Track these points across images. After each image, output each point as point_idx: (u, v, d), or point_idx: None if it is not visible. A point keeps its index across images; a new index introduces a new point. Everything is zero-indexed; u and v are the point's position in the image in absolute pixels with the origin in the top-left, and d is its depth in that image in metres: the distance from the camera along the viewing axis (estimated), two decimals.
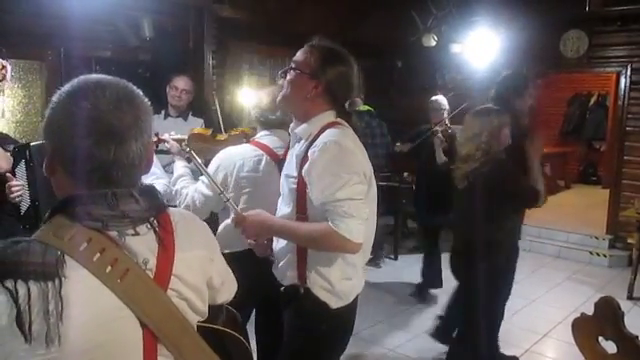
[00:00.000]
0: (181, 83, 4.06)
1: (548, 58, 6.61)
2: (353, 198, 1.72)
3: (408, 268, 5.80)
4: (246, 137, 2.62)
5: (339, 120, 1.87)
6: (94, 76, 1.04)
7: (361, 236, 1.74)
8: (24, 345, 0.86)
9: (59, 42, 4.34)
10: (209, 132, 2.72)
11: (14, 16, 3.94)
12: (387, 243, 6.34)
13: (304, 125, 1.89)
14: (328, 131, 1.81)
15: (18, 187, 2.51)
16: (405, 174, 6.36)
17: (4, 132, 3.19)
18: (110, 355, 0.95)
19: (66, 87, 1.01)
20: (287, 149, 2.58)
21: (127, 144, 1.00)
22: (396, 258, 6.12)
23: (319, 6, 5.59)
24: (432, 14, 6.39)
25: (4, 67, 2.99)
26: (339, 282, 1.87)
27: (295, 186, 1.87)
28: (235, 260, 2.34)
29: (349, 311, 1.95)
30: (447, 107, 5.03)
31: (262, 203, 2.10)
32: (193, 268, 1.10)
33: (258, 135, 2.52)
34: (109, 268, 0.95)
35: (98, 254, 0.94)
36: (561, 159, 9.68)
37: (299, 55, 1.89)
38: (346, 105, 1.88)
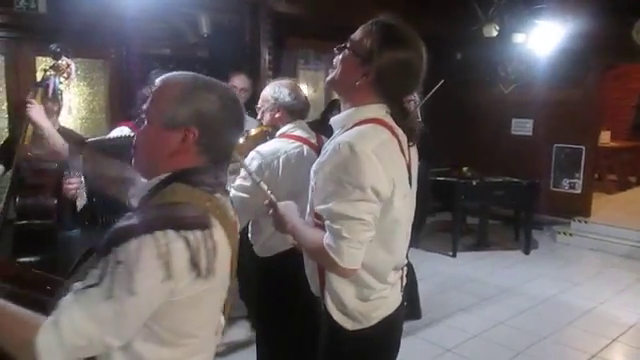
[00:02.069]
0: (239, 82, 4.04)
1: (619, 48, 6.23)
2: (350, 216, 1.46)
3: (466, 265, 5.66)
4: (269, 135, 2.56)
5: (384, 118, 1.57)
6: (207, 78, 1.25)
7: (354, 261, 1.49)
8: (196, 279, 1.10)
9: (121, 41, 4.47)
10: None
11: (78, 17, 4.07)
12: (445, 240, 6.21)
13: (341, 114, 1.64)
14: (355, 129, 1.54)
15: (75, 183, 2.57)
16: (464, 169, 6.19)
17: (70, 128, 3.30)
18: (224, 285, 1.26)
19: (205, 80, 1.21)
20: (320, 138, 2.56)
21: (242, 129, 1.30)
22: (454, 255, 5.97)
23: (393, 14, 5.46)
24: (493, 3, 6.15)
25: (69, 66, 3.07)
26: (352, 302, 1.62)
27: (313, 183, 1.64)
28: (280, 260, 2.37)
29: (377, 335, 1.66)
30: None
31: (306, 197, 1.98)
32: None
33: (285, 129, 2.47)
34: (223, 219, 1.20)
35: (217, 210, 1.18)
36: (632, 154, 9.14)
37: (357, 32, 1.59)
38: (404, 101, 1.62)
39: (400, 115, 1.60)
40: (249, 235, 2.46)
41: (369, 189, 1.46)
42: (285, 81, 2.58)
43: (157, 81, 1.23)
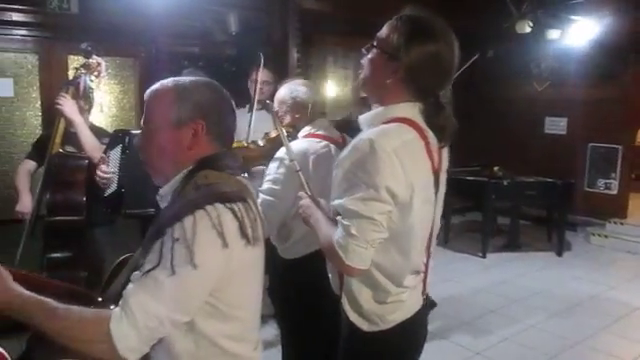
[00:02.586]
0: (261, 76, 4.04)
1: None
2: (361, 215, 1.42)
3: (497, 267, 5.55)
4: (289, 135, 2.44)
5: (413, 118, 1.51)
6: (201, 77, 1.37)
7: (360, 260, 1.44)
8: (245, 247, 1.20)
9: (151, 40, 4.51)
10: (242, 143, 2.58)
11: (109, 16, 4.13)
12: (475, 240, 6.11)
13: (370, 113, 1.58)
14: (380, 127, 1.49)
15: (108, 173, 2.59)
16: (495, 168, 6.07)
17: (100, 126, 3.34)
18: (263, 259, 1.36)
19: (194, 80, 1.32)
20: (343, 137, 2.51)
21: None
22: (484, 256, 5.86)
23: (420, 7, 5.40)
24: None
25: (99, 64, 3.11)
26: (368, 303, 1.58)
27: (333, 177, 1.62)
28: (305, 262, 2.33)
29: (394, 338, 1.62)
30: None
31: None
32: None
33: (309, 128, 2.42)
34: (251, 199, 1.29)
35: (245, 189, 1.29)
36: None
37: (383, 30, 1.54)
38: (440, 97, 1.53)
39: (433, 111, 1.53)
40: (271, 238, 2.43)
41: (383, 189, 1.41)
42: (300, 80, 2.53)
43: (147, 94, 1.32)
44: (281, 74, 5.06)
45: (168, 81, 1.31)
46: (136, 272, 1.14)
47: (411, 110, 1.52)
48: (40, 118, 4.17)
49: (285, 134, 2.01)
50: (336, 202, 1.50)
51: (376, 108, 1.58)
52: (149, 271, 1.10)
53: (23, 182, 3.22)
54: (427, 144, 1.53)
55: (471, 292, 4.84)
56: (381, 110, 1.54)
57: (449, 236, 6.28)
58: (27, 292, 1.13)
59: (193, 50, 4.87)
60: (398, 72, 1.48)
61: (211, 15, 4.79)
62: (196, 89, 1.29)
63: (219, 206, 1.16)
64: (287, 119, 2.44)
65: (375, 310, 1.59)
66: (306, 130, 2.42)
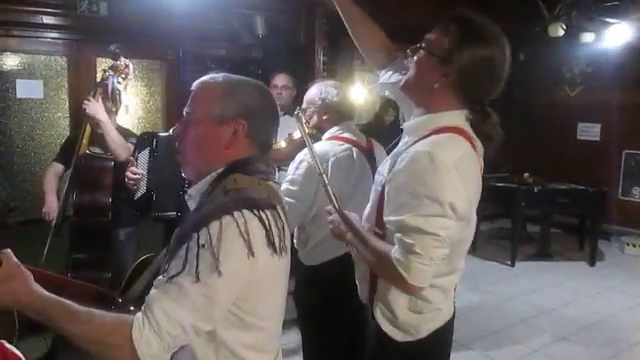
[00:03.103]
0: (280, 80, 4.04)
1: None
2: (425, 231, 1.36)
3: (526, 276, 5.41)
4: (312, 137, 2.43)
5: (463, 127, 1.47)
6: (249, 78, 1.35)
7: (423, 279, 1.39)
8: (272, 256, 1.16)
9: (178, 42, 4.52)
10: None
11: (137, 19, 4.15)
12: (504, 248, 5.97)
13: (416, 120, 1.54)
14: (433, 137, 1.44)
15: (137, 174, 2.59)
16: (526, 174, 5.93)
17: (126, 127, 3.36)
18: (288, 268, 1.31)
19: (243, 79, 1.30)
20: (369, 141, 2.45)
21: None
22: (513, 264, 5.72)
23: (472, 8, 5.34)
24: (560, 1, 5.84)
25: (127, 66, 3.13)
26: (404, 313, 1.54)
27: (380, 189, 1.56)
28: (326, 268, 2.27)
29: (427, 347, 1.58)
30: None
31: (358, 200, 1.85)
32: None
33: (333, 130, 2.37)
34: (281, 205, 1.27)
35: (276, 196, 1.26)
36: None
37: (433, 31, 1.49)
38: (485, 104, 1.48)
39: (481, 119, 1.49)
40: (294, 242, 2.39)
41: (447, 204, 1.36)
42: (330, 81, 2.49)
43: (195, 84, 1.30)
44: (307, 77, 5.04)
45: (219, 75, 1.30)
46: (160, 277, 1.12)
47: (459, 118, 1.48)
48: (68, 120, 4.22)
49: (312, 143, 1.90)
50: (392, 218, 1.43)
51: (420, 114, 1.54)
52: (173, 277, 1.08)
53: (50, 185, 3.27)
54: (478, 155, 1.49)
55: (499, 301, 4.72)
56: (428, 118, 1.50)
57: (477, 243, 6.14)
58: (48, 293, 1.11)
59: (220, 52, 4.88)
60: (448, 76, 1.44)
61: (238, 18, 4.79)
62: (245, 89, 1.27)
63: (247, 213, 1.12)
64: (314, 120, 2.41)
65: (411, 321, 1.55)
66: (331, 132, 2.38)
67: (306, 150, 2.18)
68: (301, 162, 2.20)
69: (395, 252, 1.40)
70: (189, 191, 1.30)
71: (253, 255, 1.11)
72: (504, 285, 5.14)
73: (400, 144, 1.59)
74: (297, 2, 5.16)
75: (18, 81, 4.04)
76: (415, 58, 1.51)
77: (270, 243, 1.15)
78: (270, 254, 1.16)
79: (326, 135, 2.38)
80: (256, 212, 1.14)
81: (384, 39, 1.83)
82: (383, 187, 1.52)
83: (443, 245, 1.39)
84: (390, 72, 1.78)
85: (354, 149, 2.31)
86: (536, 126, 7.07)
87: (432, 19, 1.53)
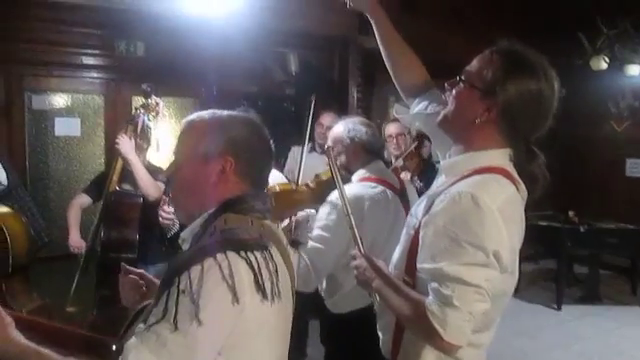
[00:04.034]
0: (327, 120, 3.98)
1: None
2: (466, 282, 1.22)
3: (574, 321, 5.09)
4: (342, 178, 2.32)
5: (507, 168, 1.35)
6: (241, 112, 1.31)
7: (460, 336, 1.24)
8: (262, 302, 1.06)
9: (211, 80, 4.60)
10: (291, 186, 2.43)
11: (173, 58, 4.25)
12: (549, 290, 5.66)
13: (455, 158, 1.42)
14: (476, 177, 1.31)
15: (170, 213, 2.57)
16: (570, 213, 5.67)
17: (157, 165, 3.37)
18: (288, 316, 1.22)
19: (233, 114, 1.25)
20: (401, 182, 2.32)
21: (273, 159, 1.29)
22: (560, 308, 5.40)
23: (469, 33, 5.27)
24: (602, 34, 5.69)
25: (158, 104, 3.17)
26: None
27: (412, 233, 1.42)
28: (355, 317, 2.11)
29: None
30: None
31: (394, 246, 1.69)
32: None
33: (364, 171, 2.23)
34: (279, 245, 1.19)
35: (271, 235, 1.18)
36: None
37: (474, 63, 1.39)
38: (531, 142, 1.37)
39: (525, 159, 1.38)
40: (319, 289, 2.26)
41: (491, 253, 1.23)
42: (357, 118, 2.37)
43: (182, 123, 1.27)
44: (341, 114, 5.01)
45: (205, 112, 1.25)
46: (140, 325, 1.04)
47: (503, 158, 1.37)
48: (103, 157, 4.30)
49: (341, 182, 1.80)
50: (428, 265, 1.30)
51: (459, 151, 1.42)
52: (152, 325, 1.00)
53: (74, 216, 3.30)
54: (522, 198, 1.38)
55: (545, 348, 4.43)
56: (468, 156, 1.38)
57: (520, 284, 5.85)
58: (26, 342, 1.06)
59: (252, 90, 4.93)
60: (491, 111, 1.33)
61: (271, 55, 4.85)
62: (232, 124, 1.22)
63: (232, 255, 1.03)
64: (342, 159, 2.26)
65: None
66: (361, 173, 2.24)
67: (338, 192, 2.07)
68: (335, 206, 2.06)
69: (430, 304, 1.26)
70: (182, 234, 1.23)
71: (238, 302, 1.01)
72: (550, 330, 4.85)
73: (436, 184, 1.48)
74: (330, 39, 5.18)
75: (57, 119, 4.16)
76: (454, 91, 1.40)
77: (259, 288, 1.05)
78: (260, 300, 1.06)
79: (356, 176, 2.25)
80: (243, 254, 1.05)
81: (422, 69, 1.72)
82: (417, 231, 1.39)
83: (485, 299, 1.25)
84: (425, 102, 1.67)
85: (388, 191, 2.19)
86: (581, 163, 6.83)
87: (471, 54, 1.43)
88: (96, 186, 3.30)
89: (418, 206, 1.48)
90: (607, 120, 6.73)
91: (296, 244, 2.14)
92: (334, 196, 2.06)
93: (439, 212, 1.30)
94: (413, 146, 3.77)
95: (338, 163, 2.26)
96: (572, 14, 5.63)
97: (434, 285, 1.26)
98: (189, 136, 1.23)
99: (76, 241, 3.23)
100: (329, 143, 2.31)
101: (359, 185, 2.19)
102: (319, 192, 2.25)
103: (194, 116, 1.25)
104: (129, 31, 4.28)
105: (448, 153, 1.49)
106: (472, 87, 1.35)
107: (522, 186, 1.37)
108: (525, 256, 6.38)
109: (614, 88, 6.43)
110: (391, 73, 1.75)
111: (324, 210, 2.10)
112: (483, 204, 1.23)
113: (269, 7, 4.18)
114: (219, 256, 1.02)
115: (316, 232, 2.09)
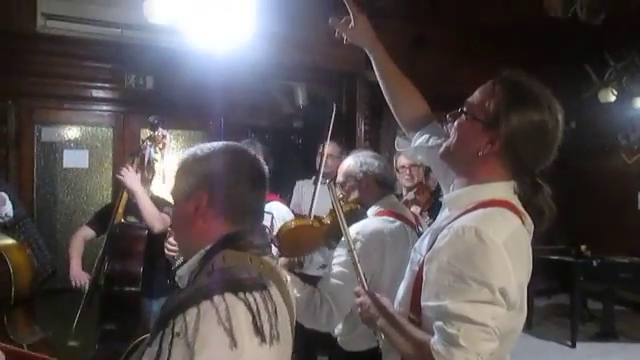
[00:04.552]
0: (329, 149, 3.98)
1: None
2: (472, 320, 1.18)
3: (589, 358, 4.94)
4: (358, 212, 2.21)
5: (512, 201, 1.32)
6: (230, 143, 1.27)
7: None
8: (260, 345, 1.00)
9: (219, 112, 4.61)
10: (307, 221, 2.34)
11: (181, 91, 4.29)
12: (563, 326, 5.52)
13: (458, 191, 1.39)
14: (480, 211, 1.28)
15: (175, 245, 2.55)
16: (582, 247, 5.57)
17: (162, 197, 3.36)
18: (288, 356, 1.16)
19: (213, 147, 1.22)
20: (415, 216, 2.27)
21: (264, 189, 1.23)
22: (574, 345, 5.26)
23: (477, 64, 5.30)
24: (610, 66, 5.70)
25: (164, 136, 3.18)
26: None
27: (416, 269, 1.37)
28: (370, 356, 1.98)
29: None
30: None
31: None
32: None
33: (379, 205, 2.18)
34: (278, 282, 1.14)
35: (270, 272, 1.14)
36: None
37: (476, 94, 1.36)
38: (536, 175, 1.34)
39: (531, 192, 1.34)
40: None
41: (497, 290, 1.19)
42: (367, 151, 2.34)
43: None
44: (348, 147, 5.00)
45: (193, 148, 1.24)
46: None
47: (507, 191, 1.33)
48: (110, 189, 4.31)
49: (343, 217, 1.75)
50: (432, 303, 1.25)
51: (461, 184, 1.39)
52: None
53: (76, 248, 3.25)
54: (528, 232, 1.34)
55: None
56: (471, 189, 1.35)
57: (533, 321, 5.72)
58: None
59: (261, 122, 4.96)
60: (494, 143, 1.29)
61: (279, 88, 4.89)
62: (209, 157, 1.20)
63: (230, 297, 1.00)
64: (354, 194, 2.21)
65: None
66: (376, 208, 2.18)
67: (358, 229, 2.04)
68: (355, 242, 1.96)
69: (435, 343, 1.21)
70: (178, 271, 1.20)
71: (236, 345, 0.97)
72: None
73: (440, 218, 1.45)
74: (338, 72, 5.23)
75: (65, 151, 4.19)
76: (456, 123, 1.37)
77: (258, 331, 1.01)
78: (258, 343, 1.01)
79: (372, 211, 2.19)
80: (241, 295, 1.01)
81: (422, 102, 1.71)
82: (420, 267, 1.34)
83: (492, 337, 1.20)
84: (426, 135, 1.65)
85: (406, 225, 2.14)
86: (592, 196, 6.75)
87: (479, 86, 1.40)
88: (100, 219, 3.29)
89: (422, 241, 1.44)
90: (617, 152, 6.68)
91: (310, 280, 2.08)
92: (355, 232, 2.01)
93: (442, 247, 1.26)
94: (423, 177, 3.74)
95: (351, 198, 2.23)
96: (579, 47, 5.66)
97: (439, 324, 1.22)
98: (177, 175, 1.23)
99: (77, 272, 3.18)
100: (340, 178, 2.27)
101: (378, 219, 2.13)
102: (332, 227, 2.15)
103: (185, 153, 1.25)
104: (139, 65, 4.35)
105: (452, 186, 1.45)
106: (474, 119, 1.32)
107: (528, 219, 1.33)
108: (537, 291, 6.29)
109: (623, 120, 6.41)
110: (391, 107, 1.74)
111: (343, 245, 2.05)
112: (487, 239, 1.19)
113: (276, 41, 4.24)
114: (216, 299, 0.98)
115: (335, 269, 2.02)
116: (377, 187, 2.20)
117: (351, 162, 2.25)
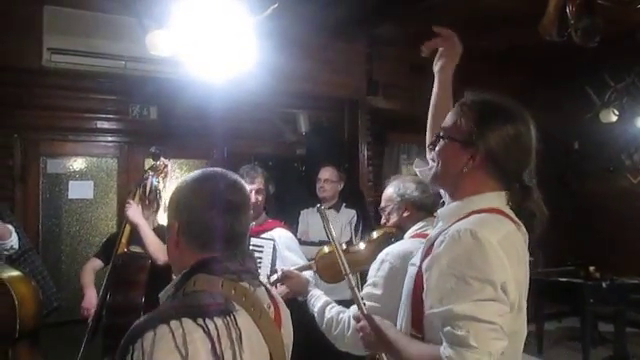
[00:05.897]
0: (323, 174, 4.01)
1: None
2: (479, 319, 1.17)
3: None
4: (393, 236, 2.27)
5: (504, 210, 1.34)
6: (210, 169, 1.29)
7: None
8: None
9: (222, 141, 4.66)
10: (342, 247, 2.42)
11: (185, 121, 4.34)
12: (575, 350, 5.42)
13: (451, 205, 1.41)
14: (474, 216, 1.30)
15: None
16: (591, 268, 5.50)
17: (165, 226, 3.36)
18: None
19: (189, 176, 1.26)
20: None
21: (239, 214, 1.21)
22: None
23: (476, 90, 5.34)
24: (610, 87, 5.71)
25: (166, 166, 3.20)
26: None
27: (412, 282, 1.39)
28: None
29: None
30: None
31: None
32: (288, 322, 1.31)
33: (416, 227, 2.19)
34: (252, 309, 1.14)
35: (243, 298, 1.13)
36: None
37: (447, 118, 1.44)
38: (525, 179, 1.38)
39: (521, 197, 1.37)
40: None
41: (499, 286, 1.20)
42: (408, 176, 2.35)
43: None
44: (352, 172, 5.02)
45: (184, 178, 1.29)
46: None
47: (499, 201, 1.36)
48: (115, 219, 4.32)
49: (339, 246, 1.81)
50: (436, 310, 1.25)
51: (452, 202, 1.43)
52: None
53: (88, 278, 3.25)
54: (524, 238, 1.37)
55: None
56: (462, 203, 1.38)
57: (543, 345, 5.62)
58: None
59: (264, 150, 4.97)
60: (475, 158, 1.35)
61: (281, 116, 4.93)
62: (181, 187, 1.24)
63: (188, 322, 0.99)
64: (394, 218, 2.26)
65: None
66: (413, 230, 2.20)
67: (387, 250, 2.06)
68: (382, 262, 2.02)
69: (445, 349, 1.20)
70: (160, 294, 1.21)
71: None
72: None
73: (433, 231, 1.45)
74: (340, 100, 5.27)
75: (71, 182, 4.22)
76: (437, 149, 1.43)
77: (217, 358, 0.99)
78: None
79: (409, 233, 2.21)
80: (200, 321, 1.00)
81: None
82: (417, 278, 1.36)
83: (501, 335, 1.19)
84: None
85: None
86: (598, 217, 6.69)
87: None
88: (106, 249, 3.29)
89: (417, 255, 1.47)
90: (622, 173, 6.64)
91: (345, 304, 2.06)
92: (383, 253, 2.05)
93: (441, 253, 1.28)
94: None
95: (390, 222, 2.28)
96: (578, 68, 5.69)
97: (447, 329, 1.21)
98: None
99: (89, 302, 3.16)
100: (381, 204, 2.33)
101: (410, 241, 2.13)
102: (372, 251, 2.22)
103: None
104: (143, 96, 4.41)
105: (447, 203, 1.48)
106: (452, 140, 1.39)
107: (522, 228, 1.36)
108: (547, 314, 6.19)
109: (626, 140, 6.38)
110: (428, 126, 1.83)
111: (374, 267, 2.07)
112: (483, 238, 1.22)
113: (277, 71, 4.28)
114: (173, 323, 0.98)
115: (367, 290, 2.03)
116: (415, 211, 2.22)
117: (390, 188, 2.30)
